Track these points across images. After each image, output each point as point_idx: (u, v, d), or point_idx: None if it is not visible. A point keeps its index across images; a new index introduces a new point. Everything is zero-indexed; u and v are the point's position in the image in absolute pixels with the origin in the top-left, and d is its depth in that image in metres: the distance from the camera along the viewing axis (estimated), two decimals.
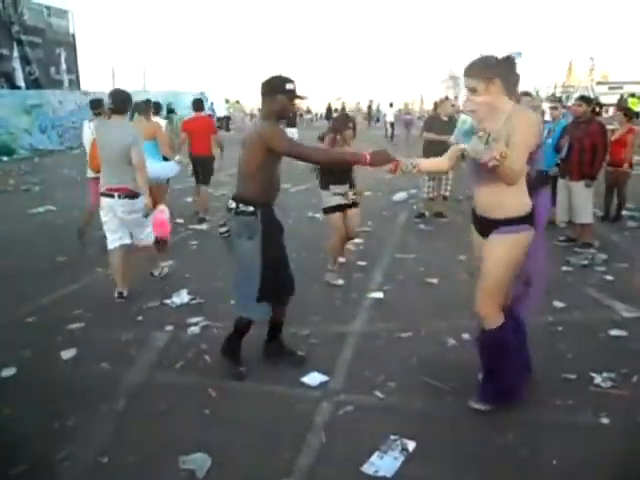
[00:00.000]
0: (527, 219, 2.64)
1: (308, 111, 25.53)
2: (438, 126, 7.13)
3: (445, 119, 7.28)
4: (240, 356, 3.30)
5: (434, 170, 3.90)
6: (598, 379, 3.14)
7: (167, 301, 4.50)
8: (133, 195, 4.35)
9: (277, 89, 3.02)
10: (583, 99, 6.09)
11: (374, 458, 2.49)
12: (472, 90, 2.58)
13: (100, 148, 4.52)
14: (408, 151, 14.63)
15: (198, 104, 7.83)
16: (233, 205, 3.07)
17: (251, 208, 3.03)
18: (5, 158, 16.17)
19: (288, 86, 3.02)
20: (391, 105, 25.42)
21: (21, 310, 4.33)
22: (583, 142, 5.70)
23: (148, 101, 7.21)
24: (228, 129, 27.09)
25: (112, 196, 4.35)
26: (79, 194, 9.69)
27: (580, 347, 3.57)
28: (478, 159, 2.41)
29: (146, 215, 4.48)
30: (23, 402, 3.05)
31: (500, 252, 2.64)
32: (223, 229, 3.18)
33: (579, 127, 5.80)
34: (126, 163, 4.30)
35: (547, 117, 10.69)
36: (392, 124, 22.65)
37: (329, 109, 29.06)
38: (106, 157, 4.41)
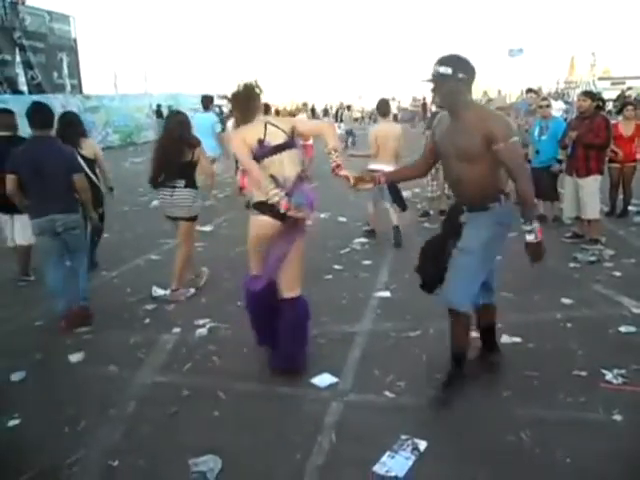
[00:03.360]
0: None
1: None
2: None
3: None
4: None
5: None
6: (609, 375, 3.12)
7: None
8: None
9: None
10: (587, 94, 6.05)
11: (385, 458, 2.48)
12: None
13: None
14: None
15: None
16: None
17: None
18: None
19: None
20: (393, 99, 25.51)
21: (30, 314, 4.33)
22: (588, 137, 5.66)
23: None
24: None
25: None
26: None
27: (590, 344, 3.54)
28: None
29: None
30: (33, 406, 3.05)
31: None
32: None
33: (583, 122, 5.77)
34: None
35: (555, 113, 10.70)
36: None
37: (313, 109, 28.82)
38: None
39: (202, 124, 7.79)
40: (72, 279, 4.16)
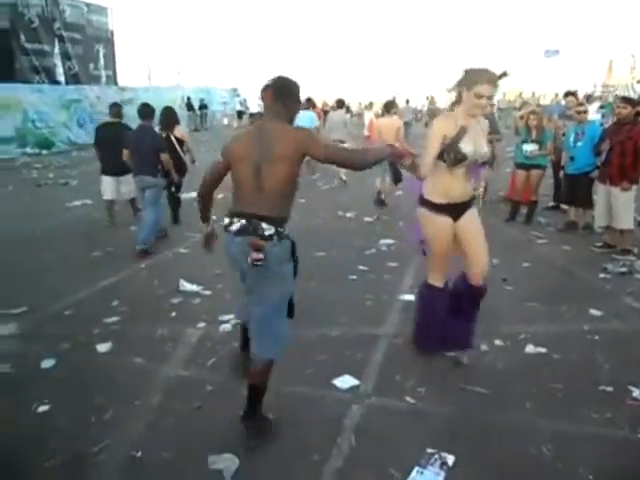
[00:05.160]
0: None
1: (324, 108, 23.61)
2: None
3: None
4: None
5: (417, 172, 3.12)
6: (636, 392, 3.05)
7: (197, 290, 4.58)
8: None
9: (296, 99, 2.71)
10: (627, 101, 5.89)
11: (414, 474, 2.44)
12: (490, 97, 3.03)
13: None
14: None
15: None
16: (273, 231, 2.45)
17: (287, 230, 2.55)
18: (45, 151, 16.66)
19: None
20: (407, 102, 23.30)
21: (59, 303, 4.46)
22: (625, 145, 5.53)
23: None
24: None
25: None
26: None
27: (618, 358, 3.47)
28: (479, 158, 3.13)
29: None
30: (61, 394, 3.14)
31: (479, 220, 3.33)
32: (259, 255, 2.44)
33: (622, 130, 5.62)
34: None
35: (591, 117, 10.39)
36: (407, 123, 20.60)
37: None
38: None
39: (303, 120, 9.03)
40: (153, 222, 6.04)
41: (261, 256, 2.44)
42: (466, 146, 3.02)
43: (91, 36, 22.46)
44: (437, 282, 3.41)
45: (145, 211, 6.14)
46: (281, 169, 2.45)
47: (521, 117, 7.47)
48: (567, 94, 8.64)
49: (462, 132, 3.02)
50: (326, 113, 13.82)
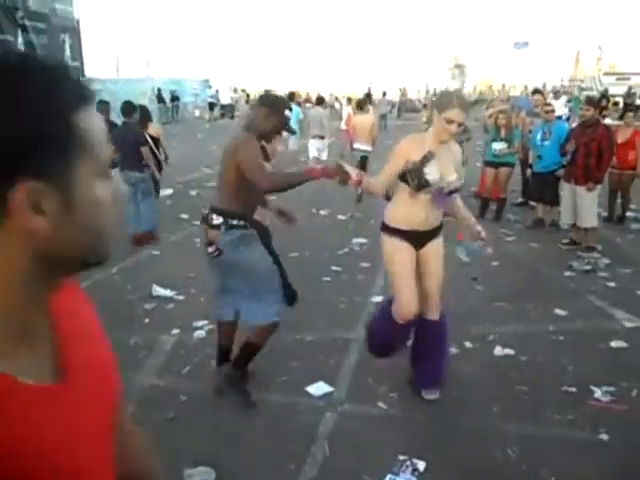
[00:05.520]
0: None
1: (307, 100, 24.25)
2: None
3: None
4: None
5: (369, 191, 3.18)
6: (598, 393, 3.19)
7: (170, 295, 4.57)
8: None
9: (277, 111, 2.93)
10: (590, 102, 6.06)
11: None
12: (460, 123, 2.87)
13: None
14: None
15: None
16: (220, 221, 2.85)
17: (242, 222, 2.89)
18: None
19: (286, 113, 3.02)
20: (384, 94, 24.67)
21: None
22: (589, 146, 5.70)
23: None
24: (232, 117, 26.97)
25: None
26: None
27: (581, 358, 3.61)
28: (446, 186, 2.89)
29: None
30: None
31: (442, 252, 3.15)
32: (211, 249, 2.88)
33: (586, 131, 5.79)
34: None
35: (559, 110, 10.61)
36: (383, 115, 20.55)
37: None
38: None
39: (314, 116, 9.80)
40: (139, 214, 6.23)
41: (212, 249, 2.89)
42: (431, 172, 2.82)
43: (56, 25, 21.82)
44: (402, 313, 3.02)
45: (142, 203, 6.30)
46: (224, 170, 2.91)
47: (490, 116, 7.59)
48: (534, 92, 8.82)
49: (429, 157, 2.84)
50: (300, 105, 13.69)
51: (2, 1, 18.98)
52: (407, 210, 2.97)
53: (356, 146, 8.40)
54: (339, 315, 4.37)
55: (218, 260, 2.91)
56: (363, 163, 8.09)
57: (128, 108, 6.34)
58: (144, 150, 6.19)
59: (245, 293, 2.96)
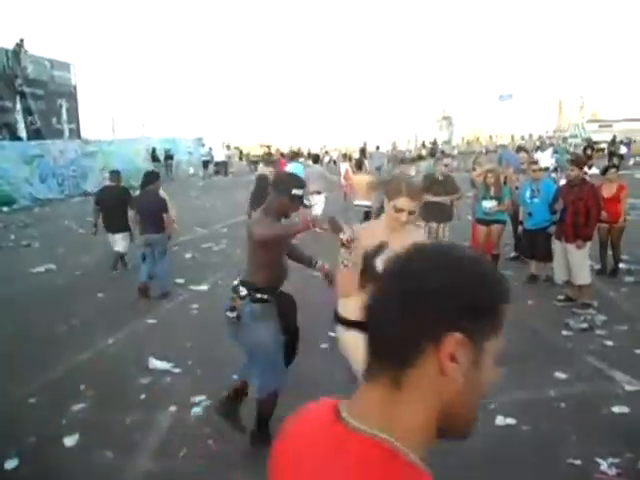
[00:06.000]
0: None
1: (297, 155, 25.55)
2: (435, 186, 7.27)
3: (441, 178, 7.43)
4: None
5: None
6: (604, 465, 3.14)
7: (167, 368, 4.52)
8: None
9: (284, 192, 3.15)
10: (575, 163, 6.23)
11: None
12: (411, 212, 2.77)
13: None
14: None
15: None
16: (245, 292, 3.17)
17: (265, 296, 3.17)
18: (5, 208, 16.33)
19: (294, 192, 3.14)
20: (377, 148, 26.25)
21: (24, 389, 4.32)
22: (577, 205, 5.82)
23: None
24: (226, 174, 27.40)
25: None
26: (79, 249, 9.83)
27: (584, 427, 3.57)
28: None
29: None
30: None
31: None
32: (232, 314, 3.21)
33: (572, 190, 5.94)
34: None
35: (544, 163, 10.86)
36: (378, 167, 21.34)
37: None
38: None
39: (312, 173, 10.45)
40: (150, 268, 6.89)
41: (233, 315, 3.19)
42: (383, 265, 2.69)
43: (54, 91, 22.44)
44: None
45: (159, 262, 6.90)
46: (249, 248, 3.20)
47: (478, 175, 7.76)
48: (519, 149, 9.08)
49: (382, 247, 2.70)
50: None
51: (1, 70, 19.58)
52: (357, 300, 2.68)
53: (357, 202, 9.13)
54: (335, 388, 4.31)
55: (235, 325, 3.22)
56: (367, 215, 8.62)
57: (152, 177, 7.10)
58: (166, 216, 6.75)
59: (250, 363, 3.34)
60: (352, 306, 2.68)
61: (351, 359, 2.91)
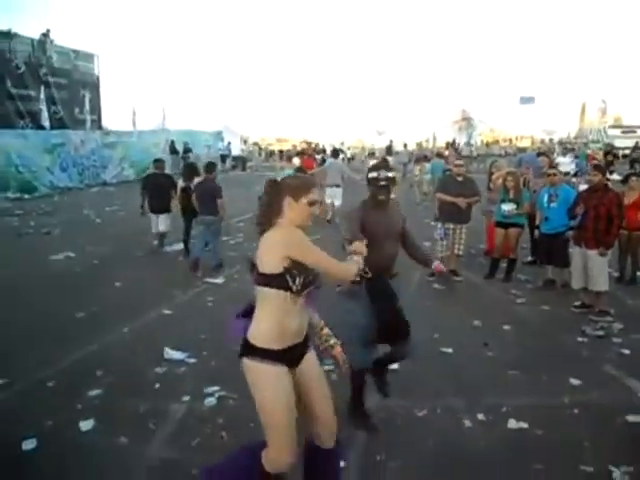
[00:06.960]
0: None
1: (323, 150, 26.45)
2: (453, 187, 7.24)
3: (460, 179, 7.38)
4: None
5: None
6: (616, 473, 3.11)
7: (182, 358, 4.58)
8: None
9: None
10: (597, 168, 6.16)
11: None
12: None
13: None
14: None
15: None
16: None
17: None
18: (27, 196, 16.59)
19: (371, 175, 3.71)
20: (405, 146, 27.97)
21: (42, 373, 4.40)
22: (598, 210, 5.75)
23: None
24: (244, 169, 27.51)
25: None
26: (97, 238, 9.97)
27: (598, 434, 3.54)
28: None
29: None
30: None
31: (318, 364, 2.71)
32: (338, 288, 3.59)
33: (594, 195, 5.87)
34: None
35: (564, 168, 10.79)
36: (405, 164, 22.79)
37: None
38: None
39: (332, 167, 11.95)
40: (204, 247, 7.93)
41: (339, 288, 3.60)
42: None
43: (77, 81, 22.76)
44: (278, 463, 2.45)
45: (212, 240, 7.96)
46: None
47: (497, 178, 7.70)
48: (539, 154, 8.99)
49: None
50: (324, 161, 15.56)
51: (28, 59, 19.89)
52: (281, 321, 2.40)
53: None
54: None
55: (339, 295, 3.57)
56: None
57: (211, 167, 8.25)
58: (219, 201, 7.70)
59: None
60: (274, 332, 2.40)
61: None
